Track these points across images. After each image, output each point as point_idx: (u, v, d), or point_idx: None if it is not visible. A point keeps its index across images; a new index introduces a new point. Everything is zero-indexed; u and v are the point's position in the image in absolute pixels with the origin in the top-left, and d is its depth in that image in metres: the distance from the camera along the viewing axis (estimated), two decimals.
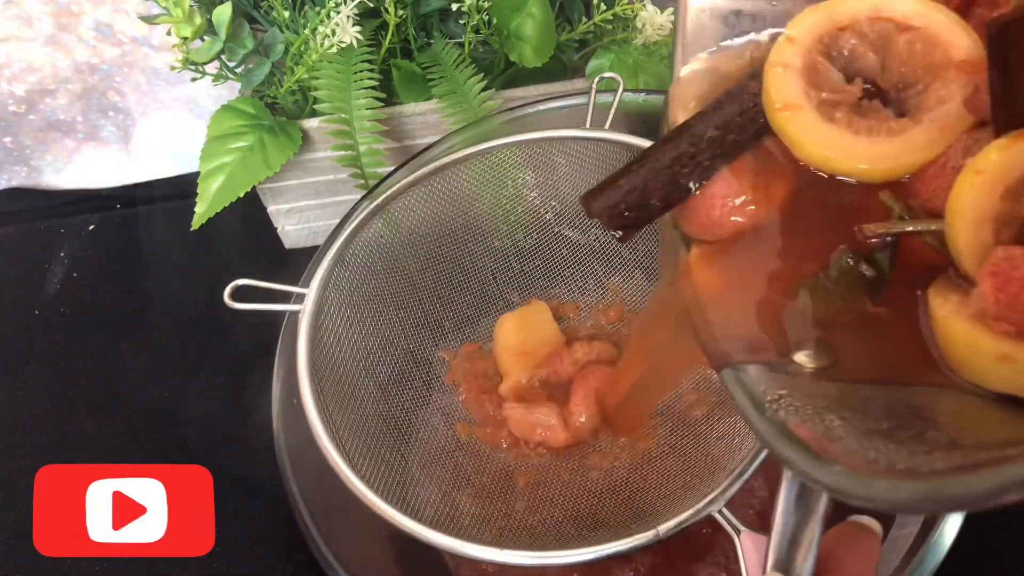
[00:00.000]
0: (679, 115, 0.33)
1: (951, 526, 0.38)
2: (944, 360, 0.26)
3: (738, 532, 0.35)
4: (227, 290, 0.43)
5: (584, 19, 0.61)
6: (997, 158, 0.25)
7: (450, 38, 0.61)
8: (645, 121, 0.50)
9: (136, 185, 0.78)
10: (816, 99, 0.31)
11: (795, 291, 0.30)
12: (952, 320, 0.25)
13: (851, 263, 0.29)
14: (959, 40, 0.30)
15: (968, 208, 0.25)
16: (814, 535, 0.29)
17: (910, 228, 0.29)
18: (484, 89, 0.58)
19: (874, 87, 0.32)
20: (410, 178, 0.49)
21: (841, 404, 0.26)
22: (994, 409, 0.24)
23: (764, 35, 0.33)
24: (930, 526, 0.39)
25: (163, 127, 0.77)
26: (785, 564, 0.29)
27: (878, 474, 0.22)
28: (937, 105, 0.30)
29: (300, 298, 0.44)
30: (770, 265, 0.31)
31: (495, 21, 0.58)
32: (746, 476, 0.37)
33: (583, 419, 0.45)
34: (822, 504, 0.29)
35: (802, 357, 0.28)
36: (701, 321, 0.31)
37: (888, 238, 0.29)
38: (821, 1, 0.32)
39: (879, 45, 0.32)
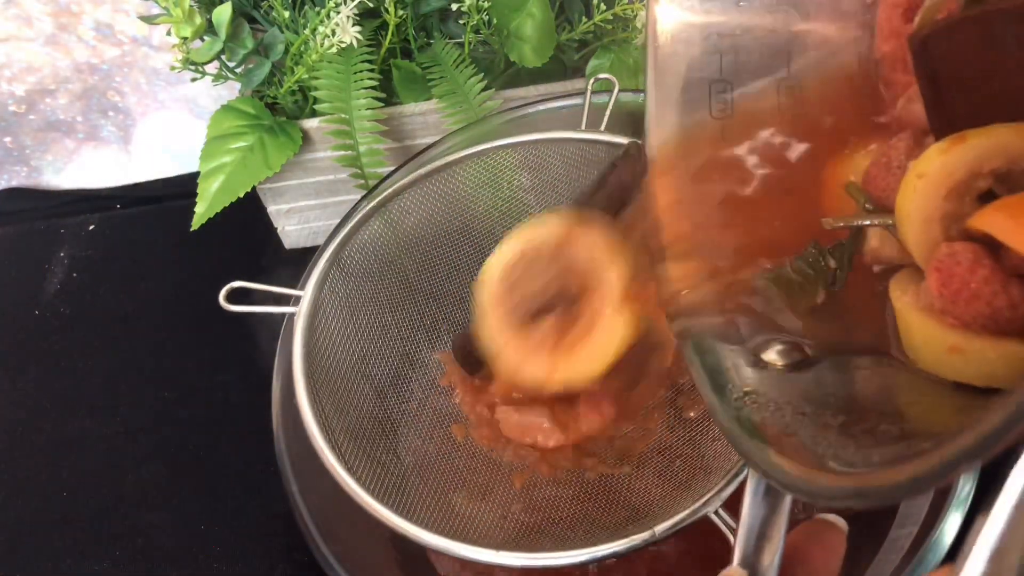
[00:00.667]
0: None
1: (951, 526, 0.38)
2: (904, 348, 0.27)
3: (734, 533, 0.35)
4: (222, 292, 0.43)
5: (584, 19, 0.61)
6: (938, 162, 0.26)
7: (450, 38, 0.61)
8: None
9: (136, 185, 0.79)
10: (516, 338, 0.41)
11: (759, 280, 0.31)
12: (908, 312, 0.26)
13: (815, 255, 0.31)
14: (611, 271, 0.40)
15: (914, 210, 0.26)
16: (780, 530, 0.29)
17: (867, 221, 0.30)
18: (484, 89, 0.58)
19: (561, 292, 0.41)
20: (409, 179, 0.49)
21: (805, 399, 0.27)
22: (952, 396, 0.25)
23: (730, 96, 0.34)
24: (930, 526, 0.39)
25: (163, 127, 0.77)
26: (751, 559, 0.29)
27: (822, 471, 0.23)
28: (597, 321, 0.40)
29: (297, 300, 0.44)
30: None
31: (495, 21, 0.58)
32: (742, 476, 0.37)
33: (586, 426, 0.45)
34: (787, 500, 0.29)
35: (772, 355, 0.29)
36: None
37: (854, 227, 0.30)
38: None
39: (561, 260, 0.41)
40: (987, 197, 0.25)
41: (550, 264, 0.42)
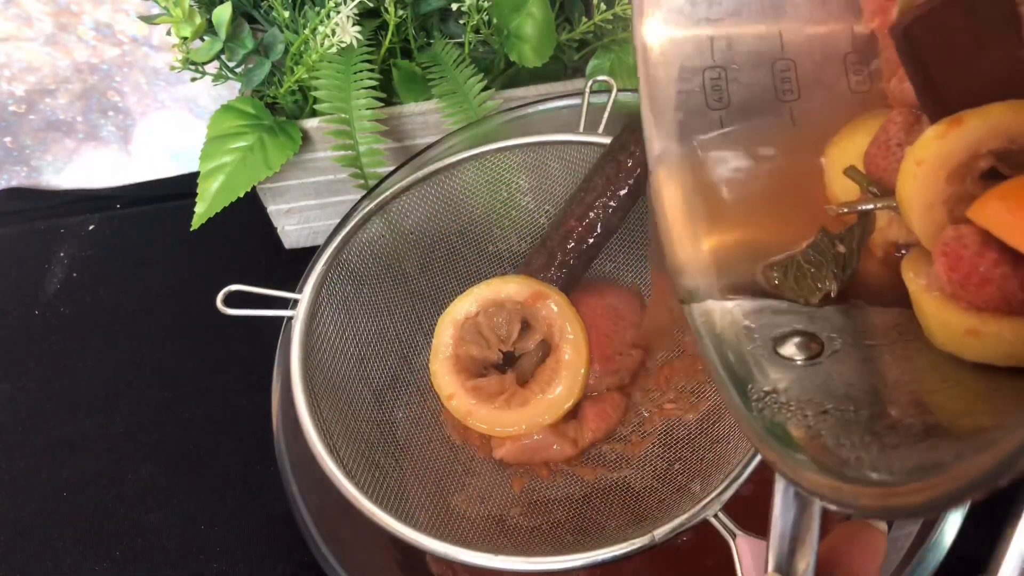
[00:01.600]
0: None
1: (951, 526, 0.38)
2: (923, 330, 0.27)
3: (734, 536, 0.35)
4: (219, 296, 0.43)
5: (584, 19, 0.61)
6: (935, 147, 0.25)
7: (450, 38, 0.61)
8: None
9: (136, 185, 0.79)
10: (467, 386, 0.45)
11: (771, 272, 0.31)
12: (922, 295, 0.26)
13: (825, 242, 0.30)
14: (578, 336, 0.45)
15: (915, 195, 0.26)
16: (812, 533, 0.28)
17: (871, 205, 0.30)
18: (484, 89, 0.58)
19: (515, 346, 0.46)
20: (407, 180, 0.49)
21: (826, 395, 0.26)
22: (974, 379, 0.24)
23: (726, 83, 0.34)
24: (930, 526, 0.39)
25: (163, 127, 0.77)
26: (785, 565, 0.28)
27: (846, 479, 0.23)
28: (550, 383, 0.44)
29: (295, 303, 0.44)
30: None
31: (495, 21, 0.58)
32: (742, 479, 0.37)
33: (592, 438, 0.45)
34: (818, 502, 0.29)
35: (791, 349, 0.29)
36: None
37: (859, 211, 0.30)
38: None
39: (522, 315, 0.46)
40: (991, 173, 0.25)
41: (510, 319, 0.46)
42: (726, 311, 0.31)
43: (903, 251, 0.30)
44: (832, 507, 0.23)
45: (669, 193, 0.33)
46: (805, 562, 0.28)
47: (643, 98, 0.34)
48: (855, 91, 0.32)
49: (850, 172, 0.30)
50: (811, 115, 0.33)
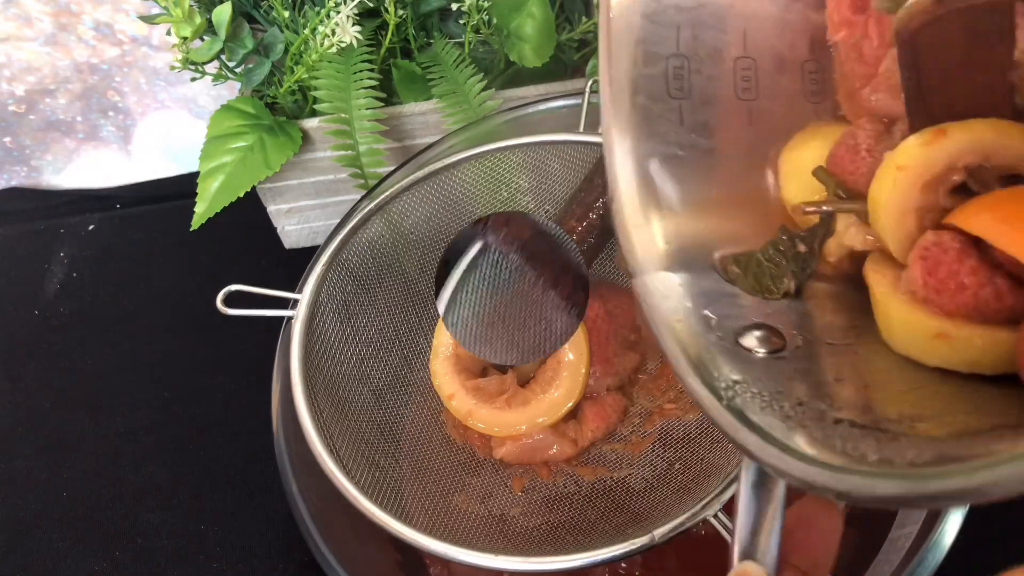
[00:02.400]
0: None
1: (951, 526, 0.38)
2: (881, 333, 0.27)
3: (733, 536, 0.35)
4: (219, 296, 0.43)
5: (584, 19, 0.61)
6: (919, 155, 0.26)
7: (450, 38, 0.61)
8: None
9: (136, 185, 0.79)
10: (468, 386, 0.45)
11: (731, 267, 0.31)
12: (888, 298, 0.26)
13: (785, 241, 0.31)
14: (578, 336, 0.44)
15: (892, 201, 0.26)
16: (776, 520, 0.29)
17: (837, 207, 0.30)
18: (484, 89, 0.58)
19: None
20: (407, 180, 0.49)
21: (794, 389, 0.27)
22: (933, 384, 0.25)
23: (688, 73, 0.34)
24: (930, 526, 0.39)
25: (163, 127, 0.77)
26: (750, 551, 0.29)
27: (851, 466, 0.22)
28: (550, 384, 0.44)
29: (295, 303, 0.44)
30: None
31: (495, 21, 0.58)
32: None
33: (591, 438, 0.45)
34: (781, 489, 0.29)
35: (751, 341, 0.29)
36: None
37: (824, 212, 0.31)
38: None
39: None
40: (959, 189, 0.25)
41: None
42: (673, 286, 0.31)
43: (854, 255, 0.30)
44: (830, 497, 0.22)
45: (626, 179, 0.33)
46: (770, 548, 0.29)
47: (602, 75, 0.33)
48: (810, 101, 0.33)
49: (818, 173, 0.31)
50: (767, 116, 0.33)
